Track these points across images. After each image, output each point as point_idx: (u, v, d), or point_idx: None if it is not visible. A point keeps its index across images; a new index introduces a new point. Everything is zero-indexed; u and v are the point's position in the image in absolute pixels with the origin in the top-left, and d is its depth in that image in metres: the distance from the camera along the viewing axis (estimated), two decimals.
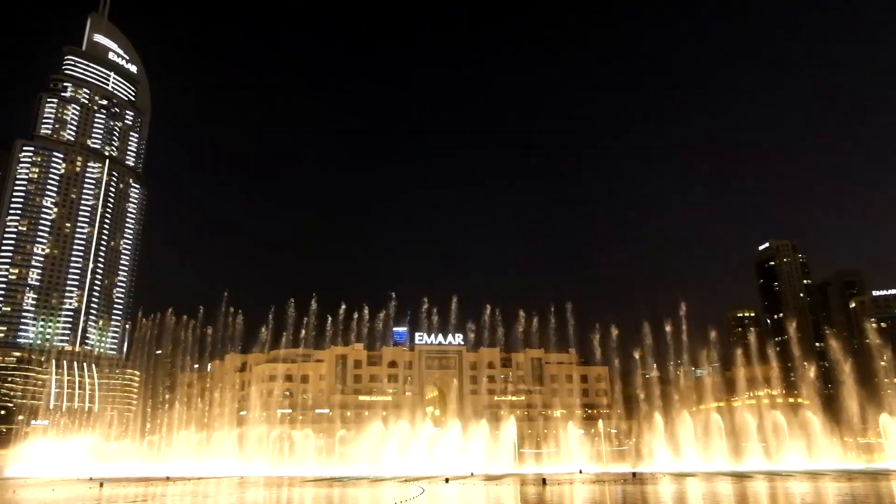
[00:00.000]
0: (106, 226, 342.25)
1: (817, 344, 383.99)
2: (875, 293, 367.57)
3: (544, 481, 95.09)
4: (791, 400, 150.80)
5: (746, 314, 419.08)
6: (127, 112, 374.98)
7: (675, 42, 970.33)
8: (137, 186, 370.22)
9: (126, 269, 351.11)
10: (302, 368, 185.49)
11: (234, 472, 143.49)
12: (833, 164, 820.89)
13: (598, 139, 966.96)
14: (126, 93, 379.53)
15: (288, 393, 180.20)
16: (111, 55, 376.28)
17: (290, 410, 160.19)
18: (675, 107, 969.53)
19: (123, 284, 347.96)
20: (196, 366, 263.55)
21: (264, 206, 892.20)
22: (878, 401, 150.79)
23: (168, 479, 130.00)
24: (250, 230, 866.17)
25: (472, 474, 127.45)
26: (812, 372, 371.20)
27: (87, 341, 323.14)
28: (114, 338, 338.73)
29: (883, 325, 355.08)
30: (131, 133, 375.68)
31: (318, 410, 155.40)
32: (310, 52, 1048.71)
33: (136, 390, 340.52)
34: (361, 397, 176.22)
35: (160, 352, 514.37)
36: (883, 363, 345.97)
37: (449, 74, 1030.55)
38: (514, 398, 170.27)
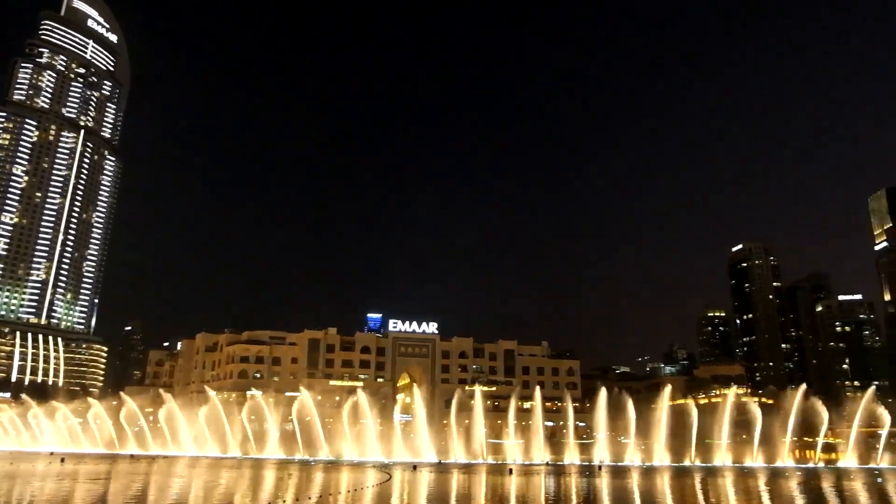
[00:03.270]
0: (78, 198, 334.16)
1: (784, 345, 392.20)
2: (841, 297, 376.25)
3: (511, 471, 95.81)
4: (756, 399, 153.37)
5: (718, 314, 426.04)
6: (105, 82, 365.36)
7: (654, 53, 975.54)
8: (113, 159, 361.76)
9: (97, 242, 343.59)
10: (274, 351, 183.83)
11: (199, 452, 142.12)
12: (808, 170, 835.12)
13: (581, 146, 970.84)
14: (105, 62, 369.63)
15: (258, 375, 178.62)
16: (90, 22, 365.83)
17: (259, 392, 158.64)
18: (654, 115, 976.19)
19: (94, 258, 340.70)
20: (166, 343, 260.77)
21: (242, 187, 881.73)
22: (839, 401, 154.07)
23: (132, 456, 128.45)
24: (227, 210, 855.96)
25: (440, 462, 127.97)
26: (778, 372, 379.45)
27: (53, 315, 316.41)
28: (82, 312, 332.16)
29: (847, 328, 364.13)
30: (108, 104, 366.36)
31: (288, 393, 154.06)
32: (300, 38, 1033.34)
33: (102, 366, 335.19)
34: (333, 382, 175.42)
35: (129, 328, 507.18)
36: (845, 366, 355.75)
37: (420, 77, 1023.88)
38: (485, 388, 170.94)
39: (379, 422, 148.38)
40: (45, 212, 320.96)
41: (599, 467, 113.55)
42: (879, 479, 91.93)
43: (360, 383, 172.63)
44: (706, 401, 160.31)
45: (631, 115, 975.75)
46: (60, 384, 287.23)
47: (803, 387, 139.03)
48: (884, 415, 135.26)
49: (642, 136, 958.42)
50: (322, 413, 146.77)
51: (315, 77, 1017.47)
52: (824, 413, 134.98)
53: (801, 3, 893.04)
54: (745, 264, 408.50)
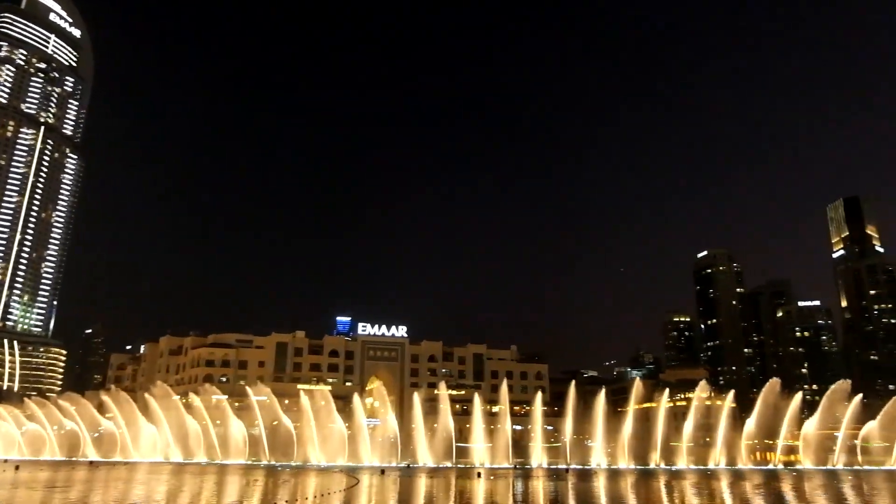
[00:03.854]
0: (37, 196, 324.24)
1: (746, 350, 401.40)
2: (800, 303, 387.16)
3: (479, 475, 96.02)
4: (719, 402, 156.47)
5: (683, 319, 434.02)
6: (67, 78, 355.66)
7: (617, 62, 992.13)
8: (74, 157, 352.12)
9: (57, 242, 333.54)
10: (241, 354, 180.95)
11: (163, 458, 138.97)
12: (770, 179, 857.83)
13: (549, 153, 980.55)
14: (67, 57, 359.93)
15: (224, 379, 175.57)
16: (53, 17, 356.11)
17: (225, 397, 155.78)
18: (621, 123, 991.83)
19: (53, 259, 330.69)
20: (128, 347, 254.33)
21: (208, 188, 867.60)
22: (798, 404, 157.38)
23: (92, 463, 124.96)
24: (193, 211, 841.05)
25: (408, 466, 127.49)
26: (741, 376, 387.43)
27: (9, 317, 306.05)
28: (39, 314, 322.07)
29: (806, 333, 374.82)
30: (70, 100, 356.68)
31: (255, 398, 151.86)
32: (268, 35, 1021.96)
33: (61, 370, 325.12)
34: (300, 386, 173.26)
35: (90, 331, 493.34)
36: (804, 370, 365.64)
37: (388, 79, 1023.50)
38: (454, 392, 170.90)
39: (347, 426, 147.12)
40: (2, 210, 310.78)
41: (567, 470, 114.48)
42: (835, 480, 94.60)
43: (329, 387, 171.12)
44: (671, 404, 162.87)
45: (599, 122, 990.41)
46: (16, 389, 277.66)
47: (777, 382, 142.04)
48: (840, 418, 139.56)
49: (610, 144, 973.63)
50: (289, 417, 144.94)
51: (285, 76, 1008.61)
52: (784, 415, 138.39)
53: (761, 15, 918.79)
54: (709, 270, 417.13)
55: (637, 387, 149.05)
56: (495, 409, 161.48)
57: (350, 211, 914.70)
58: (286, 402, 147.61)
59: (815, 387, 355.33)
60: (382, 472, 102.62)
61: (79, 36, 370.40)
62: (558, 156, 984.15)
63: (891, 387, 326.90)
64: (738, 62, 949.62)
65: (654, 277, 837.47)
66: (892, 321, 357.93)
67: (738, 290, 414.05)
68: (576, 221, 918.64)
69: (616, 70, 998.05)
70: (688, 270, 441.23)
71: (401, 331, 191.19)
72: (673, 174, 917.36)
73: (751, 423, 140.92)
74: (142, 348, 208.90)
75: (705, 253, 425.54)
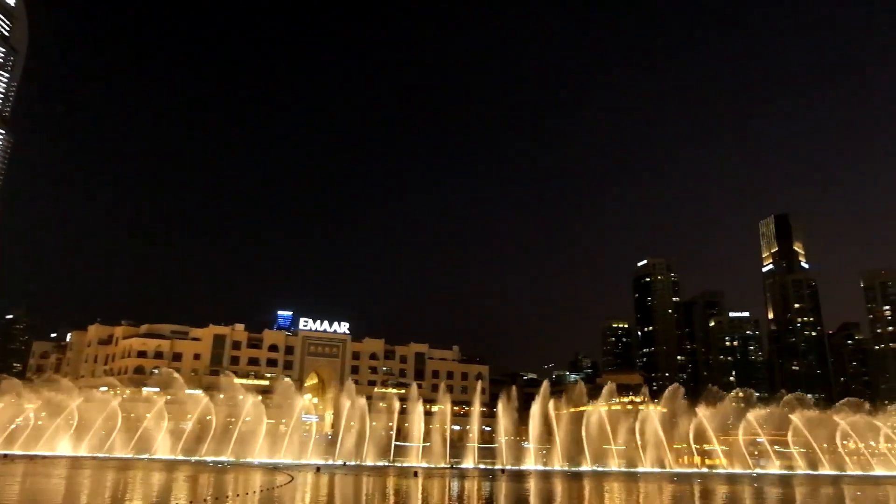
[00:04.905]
0: None
1: (680, 357, 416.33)
2: (731, 314, 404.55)
3: (416, 474, 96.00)
4: (652, 407, 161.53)
5: (621, 325, 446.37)
6: None
7: (559, 65, 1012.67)
8: (3, 132, 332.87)
9: None
10: (176, 346, 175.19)
11: (86, 452, 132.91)
12: (708, 194, 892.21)
13: (494, 154, 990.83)
14: None
15: (157, 371, 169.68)
16: None
17: (157, 389, 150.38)
18: (572, 127, 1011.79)
19: None
20: (53, 335, 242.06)
21: (146, 169, 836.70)
22: (726, 411, 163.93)
23: (6, 456, 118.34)
24: (128, 193, 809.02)
25: (344, 464, 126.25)
26: (674, 382, 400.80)
27: None
28: None
29: (735, 342, 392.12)
30: (0, 71, 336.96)
31: (188, 391, 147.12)
32: (211, 16, 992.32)
33: None
34: (238, 380, 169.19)
35: (11, 316, 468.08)
36: (732, 378, 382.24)
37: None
38: (394, 390, 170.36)
39: (284, 422, 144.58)
40: None
41: (502, 471, 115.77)
42: (755, 484, 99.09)
43: (267, 382, 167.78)
44: (607, 408, 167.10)
45: (546, 130, 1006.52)
46: None
47: (677, 388, 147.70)
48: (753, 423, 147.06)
49: (556, 147, 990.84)
50: (224, 412, 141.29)
51: (223, 60, 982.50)
52: (710, 421, 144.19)
53: (696, 32, 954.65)
54: (648, 279, 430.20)
55: (574, 390, 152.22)
56: (435, 408, 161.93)
57: (295, 205, 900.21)
58: (221, 396, 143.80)
59: (741, 394, 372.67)
60: (318, 469, 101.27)
61: (12, 3, 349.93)
62: (505, 160, 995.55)
63: (809, 396, 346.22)
64: (676, 80, 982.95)
65: (597, 284, 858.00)
66: (813, 333, 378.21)
67: (674, 299, 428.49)
68: (521, 226, 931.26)
69: (561, 71, 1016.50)
70: (628, 278, 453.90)
71: (343, 327, 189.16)
72: (617, 184, 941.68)
73: (681, 428, 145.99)
74: (68, 336, 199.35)
75: (645, 262, 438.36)
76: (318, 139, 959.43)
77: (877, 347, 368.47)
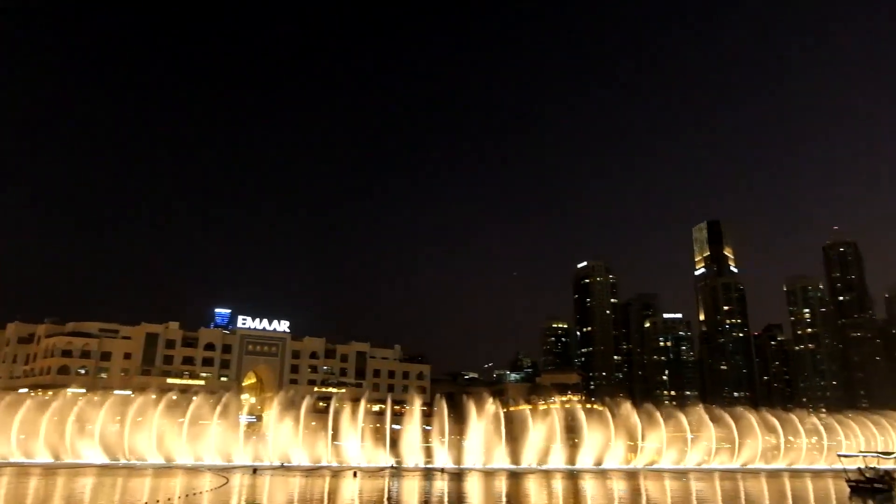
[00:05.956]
0: None
1: (616, 357, 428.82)
2: (665, 315, 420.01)
3: (355, 474, 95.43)
4: (589, 406, 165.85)
5: (561, 326, 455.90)
6: None
7: (509, 69, 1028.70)
8: None
9: None
10: (104, 345, 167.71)
11: (2, 459, 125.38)
12: (648, 198, 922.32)
13: (437, 152, 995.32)
14: None
15: (84, 371, 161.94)
16: None
17: (83, 390, 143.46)
18: (519, 129, 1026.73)
19: None
20: None
21: (75, 155, 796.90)
22: (660, 408, 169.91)
23: None
24: (53, 179, 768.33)
25: (282, 465, 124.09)
26: (610, 381, 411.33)
27: None
28: None
29: (668, 343, 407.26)
30: None
31: (117, 392, 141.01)
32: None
33: None
34: (170, 380, 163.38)
35: None
36: (664, 377, 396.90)
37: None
38: (334, 389, 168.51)
39: (220, 423, 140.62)
40: None
41: (442, 470, 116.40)
42: (684, 479, 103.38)
43: (202, 382, 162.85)
44: (545, 407, 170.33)
45: (493, 128, 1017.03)
46: None
47: (633, 395, 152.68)
48: (683, 422, 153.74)
49: (498, 150, 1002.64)
50: (156, 413, 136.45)
51: (149, 49, 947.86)
52: (647, 419, 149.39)
53: (630, 41, 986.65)
54: (587, 280, 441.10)
55: (514, 389, 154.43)
56: (375, 408, 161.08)
57: (234, 202, 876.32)
58: (153, 396, 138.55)
59: (672, 392, 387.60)
60: (255, 471, 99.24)
61: None
62: (447, 161, 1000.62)
63: (735, 394, 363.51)
64: (618, 90, 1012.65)
65: (538, 284, 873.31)
66: (741, 335, 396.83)
67: (612, 300, 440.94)
68: (463, 226, 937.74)
69: (506, 81, 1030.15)
70: (568, 280, 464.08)
71: (283, 326, 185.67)
72: (559, 188, 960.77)
73: (617, 426, 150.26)
74: None
75: (585, 264, 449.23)
76: (256, 133, 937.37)
77: (797, 348, 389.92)
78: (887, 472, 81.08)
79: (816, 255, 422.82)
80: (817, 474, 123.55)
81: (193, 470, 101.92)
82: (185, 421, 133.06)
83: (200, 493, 56.57)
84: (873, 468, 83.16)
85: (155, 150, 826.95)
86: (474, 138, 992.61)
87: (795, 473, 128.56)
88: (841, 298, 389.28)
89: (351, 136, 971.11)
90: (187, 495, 54.27)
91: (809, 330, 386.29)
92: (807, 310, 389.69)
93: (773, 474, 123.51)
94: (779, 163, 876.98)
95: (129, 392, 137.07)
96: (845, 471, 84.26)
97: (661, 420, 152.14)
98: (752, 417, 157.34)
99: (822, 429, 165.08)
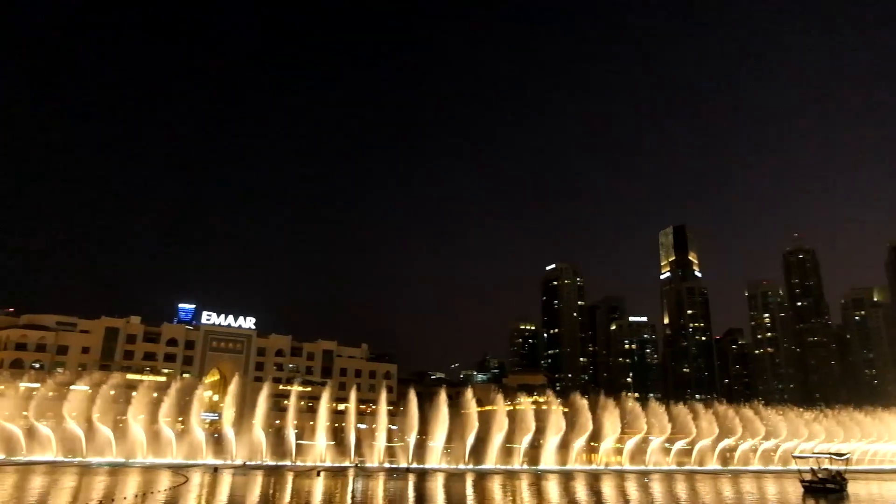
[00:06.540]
0: None
1: (582, 359, 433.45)
2: (631, 318, 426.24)
3: (319, 473, 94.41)
4: (555, 407, 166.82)
5: (529, 327, 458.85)
6: None
7: (491, 75, 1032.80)
8: None
9: None
10: (61, 338, 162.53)
11: None
12: (614, 203, 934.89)
13: (411, 152, 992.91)
14: None
15: (39, 365, 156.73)
16: None
17: (37, 385, 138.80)
18: (481, 139, 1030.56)
19: None
20: None
21: (35, 145, 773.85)
22: (625, 409, 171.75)
23: None
24: (12, 168, 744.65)
25: (244, 464, 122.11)
26: (577, 382, 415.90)
27: None
28: None
29: (633, 346, 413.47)
30: None
31: (73, 387, 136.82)
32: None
33: None
34: (130, 376, 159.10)
35: None
36: (629, 379, 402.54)
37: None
38: (300, 388, 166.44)
39: (180, 420, 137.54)
40: None
41: (407, 470, 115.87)
42: (647, 479, 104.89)
43: (164, 378, 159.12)
44: (512, 408, 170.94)
45: (467, 132, 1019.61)
46: None
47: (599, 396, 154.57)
48: (641, 423, 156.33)
49: (471, 153, 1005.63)
50: (115, 410, 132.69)
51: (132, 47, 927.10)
52: (610, 420, 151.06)
53: (600, 50, 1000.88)
54: (555, 283, 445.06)
55: (481, 390, 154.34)
56: (342, 406, 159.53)
57: (200, 198, 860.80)
58: (112, 392, 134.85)
59: (636, 394, 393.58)
60: (216, 469, 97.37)
61: None
62: (419, 163, 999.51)
63: (697, 396, 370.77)
64: (591, 95, 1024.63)
65: (506, 286, 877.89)
66: (703, 338, 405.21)
67: (579, 303, 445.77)
68: (433, 227, 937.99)
69: (474, 89, 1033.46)
70: (537, 282, 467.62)
71: (249, 322, 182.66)
72: (530, 191, 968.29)
73: (582, 428, 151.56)
74: None
75: (553, 266, 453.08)
76: (222, 129, 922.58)
77: (757, 352, 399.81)
78: (839, 473, 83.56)
79: (778, 260, 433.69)
80: (778, 475, 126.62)
81: (152, 468, 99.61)
82: (144, 418, 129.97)
83: (158, 492, 55.14)
84: (826, 468, 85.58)
85: (119, 145, 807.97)
86: (443, 143, 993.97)
87: (754, 474, 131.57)
88: (799, 304, 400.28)
89: (317, 138, 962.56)
90: (144, 494, 52.84)
91: (769, 334, 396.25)
92: (766, 314, 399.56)
93: (734, 475, 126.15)
94: (742, 170, 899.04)
95: (87, 387, 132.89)
96: (799, 471, 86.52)
97: (619, 422, 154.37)
98: (711, 415, 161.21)
99: (782, 426, 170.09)
